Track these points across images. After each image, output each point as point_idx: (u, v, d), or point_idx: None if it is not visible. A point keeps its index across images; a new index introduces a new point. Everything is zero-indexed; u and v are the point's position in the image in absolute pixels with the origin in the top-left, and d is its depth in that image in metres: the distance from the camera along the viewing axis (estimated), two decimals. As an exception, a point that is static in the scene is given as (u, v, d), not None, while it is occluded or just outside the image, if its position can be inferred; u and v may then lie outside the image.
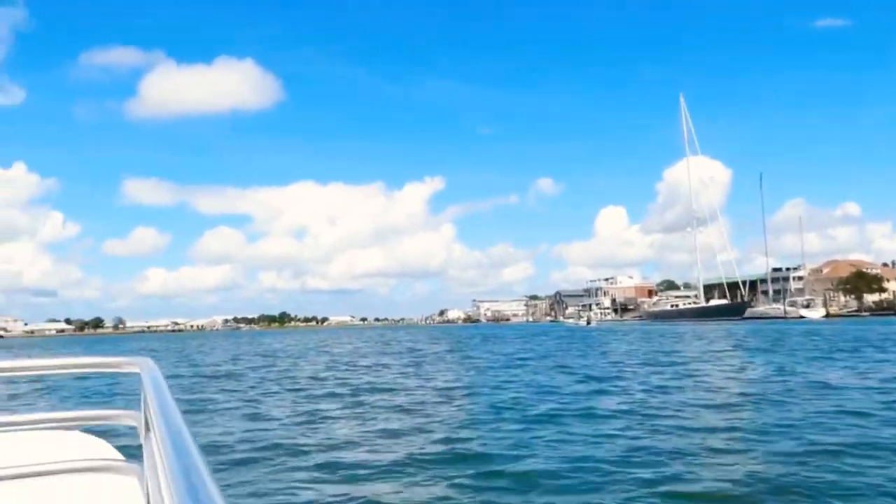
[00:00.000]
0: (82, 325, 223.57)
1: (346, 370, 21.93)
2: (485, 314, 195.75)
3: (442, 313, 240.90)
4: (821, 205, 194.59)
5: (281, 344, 52.53)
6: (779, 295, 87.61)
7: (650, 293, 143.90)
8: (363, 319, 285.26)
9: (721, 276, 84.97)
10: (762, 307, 76.01)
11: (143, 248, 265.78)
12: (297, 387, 16.41)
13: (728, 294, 77.14)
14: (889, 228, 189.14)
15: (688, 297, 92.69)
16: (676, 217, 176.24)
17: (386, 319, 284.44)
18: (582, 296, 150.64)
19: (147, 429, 1.41)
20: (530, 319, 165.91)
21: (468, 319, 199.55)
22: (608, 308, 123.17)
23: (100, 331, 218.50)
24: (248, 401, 13.56)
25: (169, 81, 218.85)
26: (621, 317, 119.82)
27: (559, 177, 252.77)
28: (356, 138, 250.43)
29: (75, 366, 1.85)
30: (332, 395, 14.31)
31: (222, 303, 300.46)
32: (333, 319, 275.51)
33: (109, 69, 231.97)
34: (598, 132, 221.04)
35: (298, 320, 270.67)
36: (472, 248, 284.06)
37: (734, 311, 72.06)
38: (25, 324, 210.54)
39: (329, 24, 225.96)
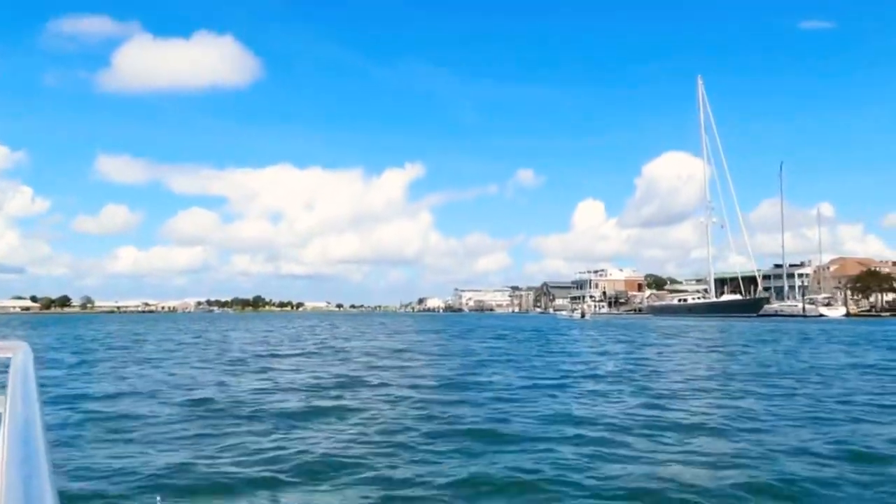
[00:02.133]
0: (49, 304, 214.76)
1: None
2: (467, 303, 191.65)
3: (421, 301, 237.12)
4: (798, 205, 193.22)
5: (292, 328, 47.51)
6: (782, 292, 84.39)
7: (639, 287, 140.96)
8: (339, 306, 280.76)
9: (718, 271, 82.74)
10: (776, 304, 72.48)
11: (114, 225, 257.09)
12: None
13: (742, 289, 73.59)
14: (860, 230, 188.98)
15: (696, 291, 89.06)
16: (653, 212, 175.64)
17: (362, 306, 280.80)
18: (570, 287, 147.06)
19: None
20: (516, 310, 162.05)
21: (449, 308, 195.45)
22: (598, 300, 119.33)
23: (67, 310, 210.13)
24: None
25: (144, 54, 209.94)
26: (618, 310, 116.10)
27: (540, 169, 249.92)
28: (337, 122, 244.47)
29: None
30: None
31: (193, 285, 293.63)
32: (308, 304, 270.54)
33: (80, 39, 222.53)
34: (580, 127, 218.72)
35: (273, 305, 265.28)
36: (448, 236, 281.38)
37: (748, 307, 68.46)
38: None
39: (313, 3, 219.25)
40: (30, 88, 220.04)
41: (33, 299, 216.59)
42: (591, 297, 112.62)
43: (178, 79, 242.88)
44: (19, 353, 1.56)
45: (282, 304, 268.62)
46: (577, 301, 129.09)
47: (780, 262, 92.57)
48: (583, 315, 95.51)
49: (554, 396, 11.12)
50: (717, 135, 78.20)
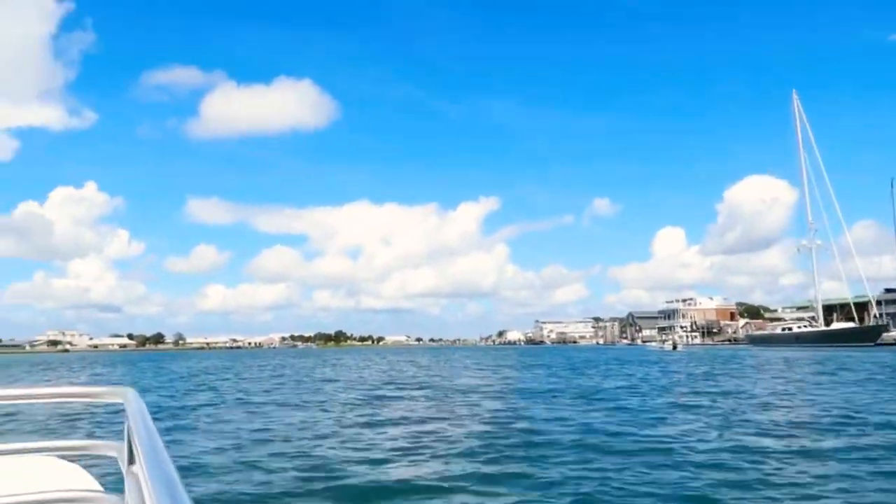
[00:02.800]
0: (144, 341, 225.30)
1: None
2: (548, 335, 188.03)
3: (501, 334, 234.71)
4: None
5: (400, 362, 47.17)
6: (893, 319, 77.91)
7: (732, 315, 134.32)
8: (418, 339, 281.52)
9: (810, 299, 77.10)
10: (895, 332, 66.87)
11: (203, 265, 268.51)
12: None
13: (855, 316, 68.28)
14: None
15: (799, 319, 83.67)
16: (737, 238, 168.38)
17: (441, 340, 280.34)
18: (657, 318, 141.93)
19: (131, 461, 1.38)
20: (600, 342, 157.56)
21: (530, 341, 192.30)
22: (689, 331, 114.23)
23: (160, 346, 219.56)
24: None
25: (229, 101, 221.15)
26: (711, 340, 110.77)
27: (616, 197, 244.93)
28: (411, 158, 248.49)
29: (59, 395, 1.83)
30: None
31: (277, 321, 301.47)
32: (389, 339, 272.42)
33: (171, 89, 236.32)
34: (656, 153, 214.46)
35: (354, 339, 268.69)
36: (525, 268, 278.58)
37: (864, 335, 63.29)
38: (90, 338, 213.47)
39: (386, 45, 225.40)
40: (127, 138, 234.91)
41: (130, 337, 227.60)
42: (681, 327, 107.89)
43: (260, 123, 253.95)
44: (130, 397, 1.59)
45: (362, 339, 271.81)
46: (666, 331, 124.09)
47: (891, 287, 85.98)
48: (674, 346, 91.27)
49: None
50: (818, 152, 73.97)
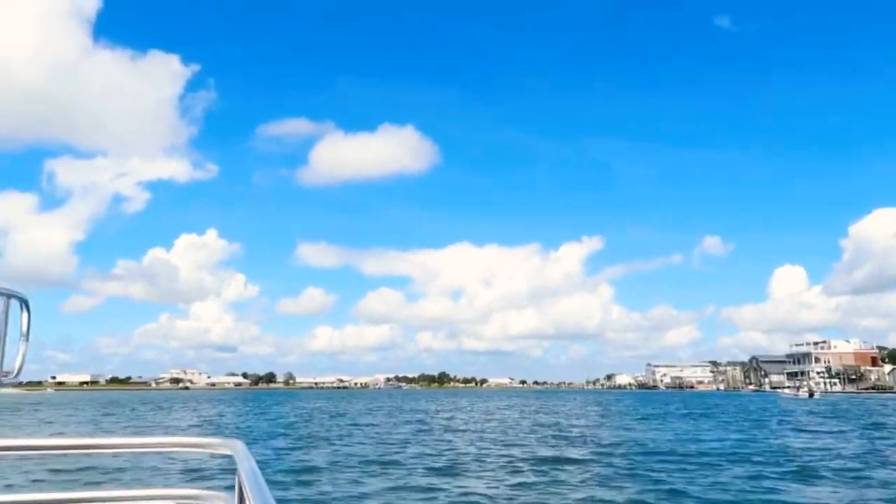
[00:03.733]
0: (257, 380, 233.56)
1: None
2: (661, 379, 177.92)
3: (609, 377, 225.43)
4: None
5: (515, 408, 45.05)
6: None
7: (874, 361, 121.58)
8: (522, 382, 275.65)
9: None
10: None
11: (312, 307, 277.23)
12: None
13: None
14: None
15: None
16: (866, 276, 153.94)
17: (545, 383, 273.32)
18: (784, 362, 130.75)
19: None
20: (720, 388, 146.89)
21: (642, 385, 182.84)
22: (826, 377, 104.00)
23: (272, 385, 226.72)
24: None
25: (336, 150, 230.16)
26: (855, 387, 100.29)
27: (728, 236, 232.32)
28: (512, 200, 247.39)
29: (171, 444, 1.93)
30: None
31: (382, 361, 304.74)
32: (492, 381, 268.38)
33: (283, 140, 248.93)
34: (770, 189, 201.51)
35: (457, 381, 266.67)
36: (630, 309, 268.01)
37: None
38: (208, 377, 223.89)
39: (485, 89, 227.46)
40: (244, 188, 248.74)
41: (244, 376, 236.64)
42: (817, 373, 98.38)
43: (365, 169, 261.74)
44: (239, 449, 1.62)
45: (466, 381, 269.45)
46: (797, 378, 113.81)
47: None
48: (811, 394, 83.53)
49: None
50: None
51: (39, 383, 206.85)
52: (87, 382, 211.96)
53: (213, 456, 2.05)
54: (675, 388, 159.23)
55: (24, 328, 2.32)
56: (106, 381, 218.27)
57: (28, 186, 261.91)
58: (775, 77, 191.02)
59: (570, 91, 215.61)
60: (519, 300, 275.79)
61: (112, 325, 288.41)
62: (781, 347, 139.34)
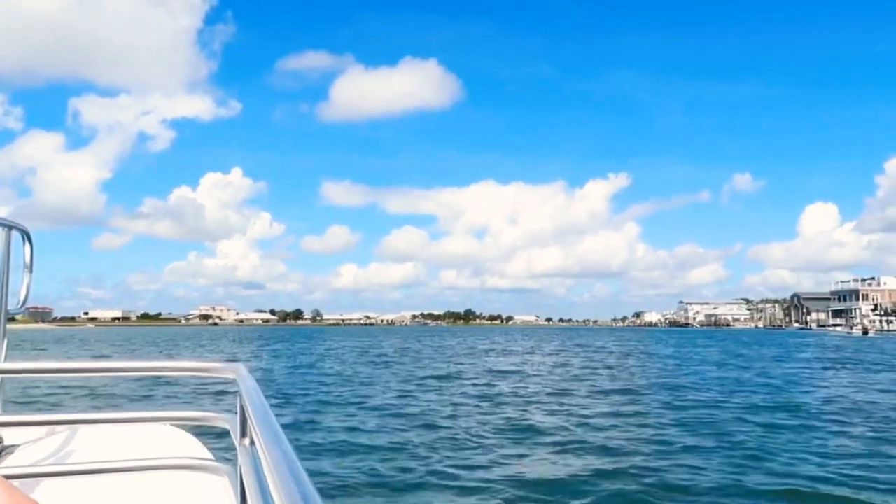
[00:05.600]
0: (285, 317, 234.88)
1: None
2: (694, 317, 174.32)
3: (637, 315, 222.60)
4: None
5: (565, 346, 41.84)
6: None
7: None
8: (548, 320, 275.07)
9: None
10: None
11: (337, 245, 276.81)
12: None
13: None
14: None
15: None
16: None
17: (570, 320, 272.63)
18: (828, 299, 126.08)
19: (243, 433, 1.50)
20: (759, 325, 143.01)
21: (673, 323, 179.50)
22: (881, 314, 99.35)
23: (299, 322, 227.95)
24: None
25: (357, 85, 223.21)
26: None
27: (759, 173, 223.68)
28: (537, 137, 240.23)
29: (175, 368, 1.99)
30: None
31: (406, 299, 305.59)
32: (518, 318, 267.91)
33: (302, 74, 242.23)
34: (803, 124, 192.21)
35: (483, 318, 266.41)
36: (657, 248, 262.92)
37: None
38: (237, 313, 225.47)
39: (509, 23, 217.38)
40: (264, 124, 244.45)
41: (272, 312, 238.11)
42: (871, 310, 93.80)
43: (387, 105, 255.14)
44: (242, 373, 1.65)
45: (491, 318, 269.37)
46: (843, 315, 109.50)
47: None
48: (865, 332, 79.74)
49: None
50: None
51: (73, 319, 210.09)
52: (118, 318, 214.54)
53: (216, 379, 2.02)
54: (709, 326, 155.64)
55: (27, 259, 2.45)
56: (137, 317, 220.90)
57: (53, 125, 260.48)
58: (813, 5, 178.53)
59: (598, 25, 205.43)
60: (543, 238, 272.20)
61: (141, 262, 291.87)
62: (808, 285, 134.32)
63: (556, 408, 13.04)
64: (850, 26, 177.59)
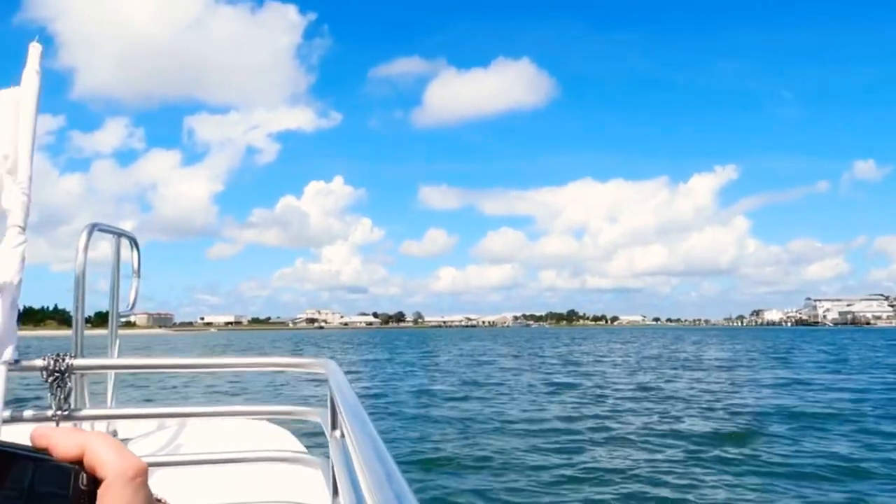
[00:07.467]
0: (387, 319, 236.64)
1: None
2: (824, 315, 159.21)
3: (756, 313, 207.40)
4: None
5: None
6: None
7: None
8: (656, 319, 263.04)
9: None
10: None
11: (434, 248, 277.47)
12: None
13: None
14: None
15: None
16: None
17: (679, 320, 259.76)
18: None
19: (333, 426, 1.56)
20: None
21: (800, 322, 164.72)
22: None
23: (402, 324, 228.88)
24: None
25: (450, 88, 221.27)
26: None
27: (883, 159, 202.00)
28: (637, 132, 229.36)
29: (267, 364, 2.12)
30: None
31: (505, 300, 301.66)
32: (624, 318, 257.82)
33: (394, 81, 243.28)
34: None
35: (587, 319, 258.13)
36: (768, 243, 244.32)
37: None
38: (341, 316, 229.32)
39: (601, 19, 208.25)
40: (362, 132, 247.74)
41: (374, 315, 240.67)
42: None
43: (481, 106, 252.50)
44: (332, 368, 1.72)
45: (595, 319, 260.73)
46: None
47: None
48: None
49: None
50: None
51: (191, 323, 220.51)
52: (231, 322, 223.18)
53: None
54: (844, 324, 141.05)
55: (136, 265, 2.63)
56: (248, 321, 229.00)
57: (171, 143, 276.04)
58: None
59: (697, 16, 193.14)
60: (646, 236, 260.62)
61: (251, 269, 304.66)
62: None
63: None
64: None
